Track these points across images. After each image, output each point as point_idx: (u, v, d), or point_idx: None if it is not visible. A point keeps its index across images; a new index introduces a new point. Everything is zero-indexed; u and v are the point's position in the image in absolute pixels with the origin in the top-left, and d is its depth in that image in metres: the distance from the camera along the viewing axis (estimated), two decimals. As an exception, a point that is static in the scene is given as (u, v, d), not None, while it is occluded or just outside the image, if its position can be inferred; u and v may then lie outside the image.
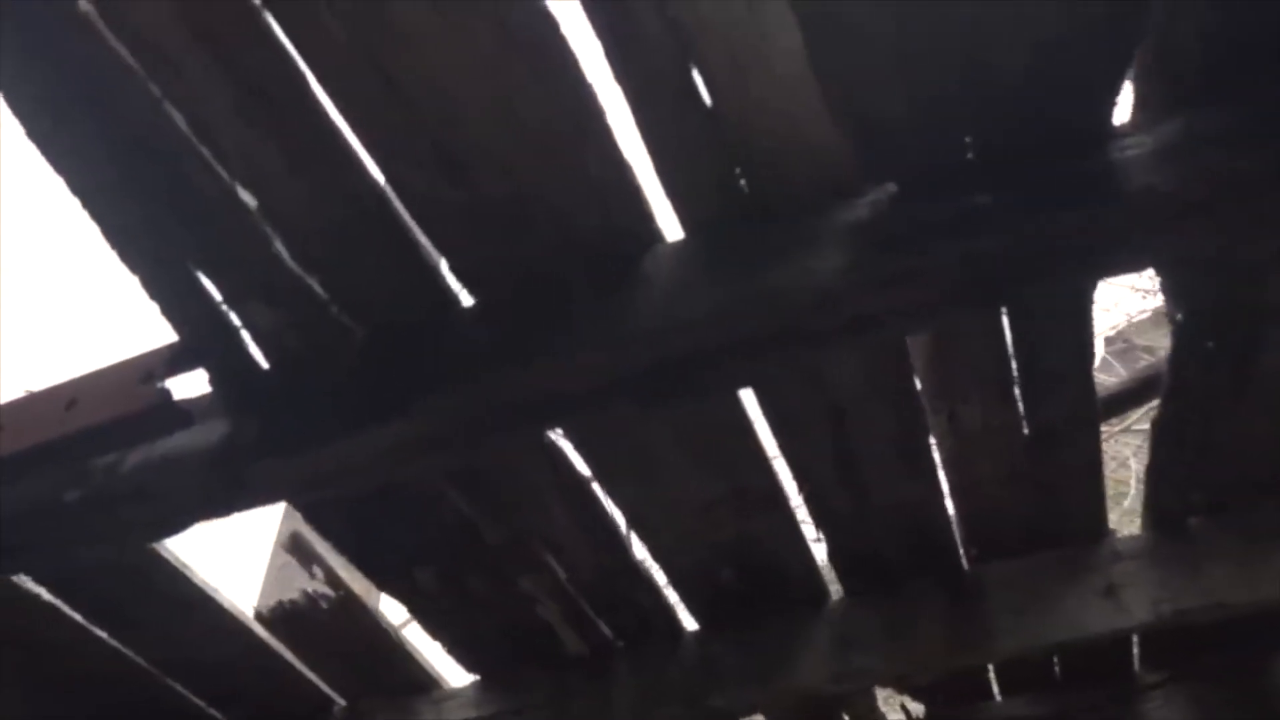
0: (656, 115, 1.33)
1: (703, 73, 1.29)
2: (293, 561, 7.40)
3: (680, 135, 1.35)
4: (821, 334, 1.32)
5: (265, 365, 1.57)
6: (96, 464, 1.56)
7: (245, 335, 1.53)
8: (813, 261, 1.32)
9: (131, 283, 1.43)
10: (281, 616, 2.11)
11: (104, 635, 2.08)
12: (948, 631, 1.97)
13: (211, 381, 1.57)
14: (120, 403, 1.46)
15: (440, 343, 1.47)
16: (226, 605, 2.09)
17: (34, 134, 1.32)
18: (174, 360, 1.48)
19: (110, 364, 1.56)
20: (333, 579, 2.07)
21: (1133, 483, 4.52)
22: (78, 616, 2.04)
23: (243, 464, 1.47)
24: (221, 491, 1.49)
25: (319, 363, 1.52)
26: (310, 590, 2.09)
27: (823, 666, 2.01)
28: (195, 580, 2.02)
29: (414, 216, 1.42)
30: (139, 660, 2.15)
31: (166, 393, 1.47)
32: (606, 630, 2.14)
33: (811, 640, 2.04)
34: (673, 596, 2.11)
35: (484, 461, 1.70)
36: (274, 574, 7.61)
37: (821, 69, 1.16)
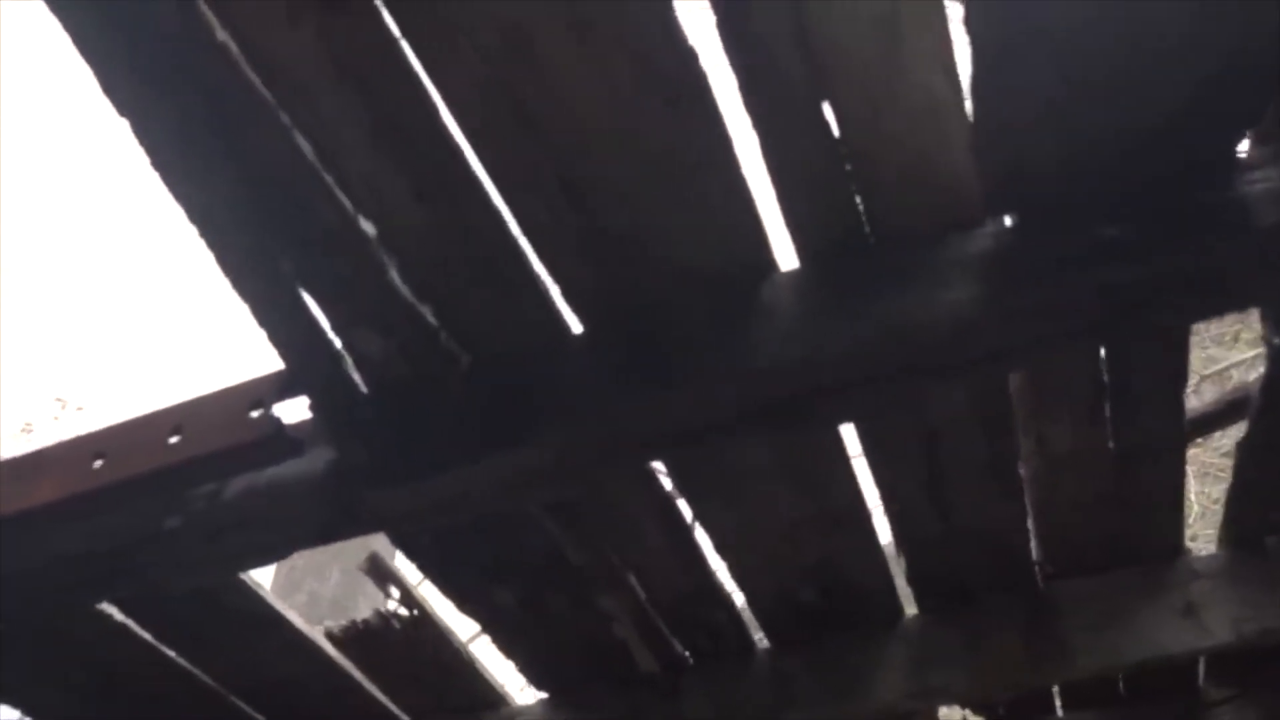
0: (783, 145, 1.33)
1: (834, 106, 1.29)
2: (299, 565, 7.34)
3: (805, 165, 1.34)
4: (956, 367, 1.32)
5: (365, 390, 1.55)
6: (197, 492, 1.54)
7: (349, 361, 1.52)
8: (942, 293, 1.32)
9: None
10: (354, 636, 2.09)
11: (173, 655, 2.07)
12: (1026, 649, 1.98)
13: (313, 408, 1.55)
14: (231, 431, 1.44)
15: (554, 371, 1.46)
16: (298, 625, 2.07)
17: (157, 162, 1.30)
18: (284, 387, 1.47)
19: (213, 391, 1.54)
20: (408, 599, 2.06)
21: (1192, 498, 4.55)
22: (148, 636, 2.02)
23: (355, 491, 1.46)
24: (333, 520, 1.48)
25: (425, 390, 1.51)
26: (384, 610, 2.08)
27: (900, 684, 2.02)
28: (268, 600, 2.01)
29: (532, 245, 1.41)
30: (207, 679, 2.13)
31: (278, 421, 1.45)
32: (679, 648, 2.14)
33: (887, 658, 2.05)
34: (746, 614, 2.11)
35: (594, 488, 1.69)
36: (282, 577, 7.55)
37: (981, 109, 1.16)
